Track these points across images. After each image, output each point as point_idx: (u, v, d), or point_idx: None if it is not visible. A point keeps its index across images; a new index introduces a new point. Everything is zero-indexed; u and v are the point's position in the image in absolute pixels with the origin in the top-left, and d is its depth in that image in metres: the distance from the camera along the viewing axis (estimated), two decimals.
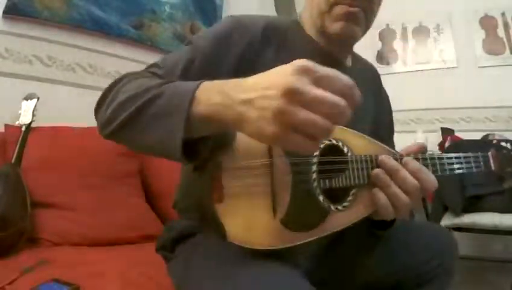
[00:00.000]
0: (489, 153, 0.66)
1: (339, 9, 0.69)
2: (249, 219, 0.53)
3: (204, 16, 2.28)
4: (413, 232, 0.79)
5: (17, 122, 1.26)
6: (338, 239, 0.72)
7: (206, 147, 0.51)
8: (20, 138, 1.20)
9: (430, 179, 0.56)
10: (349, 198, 0.58)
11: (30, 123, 1.25)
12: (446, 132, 2.54)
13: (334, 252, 0.73)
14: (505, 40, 2.66)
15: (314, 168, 0.56)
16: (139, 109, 0.52)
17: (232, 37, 0.68)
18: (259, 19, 0.72)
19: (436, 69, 2.81)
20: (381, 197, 0.56)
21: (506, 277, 1.96)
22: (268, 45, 0.70)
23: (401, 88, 2.90)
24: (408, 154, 0.60)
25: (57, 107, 1.52)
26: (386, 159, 0.57)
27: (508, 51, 2.64)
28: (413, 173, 0.56)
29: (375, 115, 0.84)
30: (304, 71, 0.41)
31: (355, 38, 0.75)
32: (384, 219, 0.60)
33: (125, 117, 0.53)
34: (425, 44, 2.94)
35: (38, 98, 1.33)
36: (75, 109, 1.61)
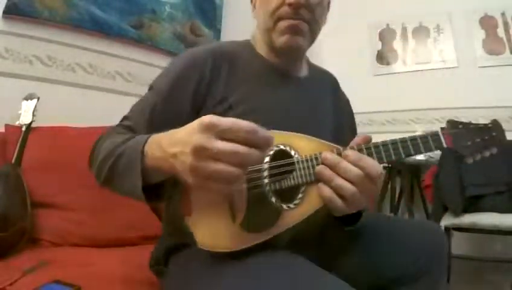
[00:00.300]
0: (439, 131, 0.66)
1: (283, 24, 0.76)
2: (213, 227, 0.60)
3: (204, 16, 2.28)
4: (400, 231, 0.80)
5: (17, 122, 1.26)
6: (319, 240, 0.75)
7: (167, 188, 0.62)
8: (20, 138, 1.20)
9: (372, 165, 0.59)
10: (299, 196, 0.62)
11: (30, 123, 1.25)
12: None
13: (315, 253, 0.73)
14: (505, 40, 2.66)
15: (266, 173, 0.62)
16: (111, 169, 0.65)
17: (186, 75, 0.75)
18: (209, 48, 0.79)
19: (436, 69, 2.81)
20: (326, 190, 0.59)
21: (505, 277, 1.96)
22: (219, 71, 0.76)
23: (401, 88, 2.91)
24: (352, 147, 0.63)
25: (57, 107, 1.52)
26: (327, 154, 0.61)
27: (508, 51, 2.64)
28: (354, 163, 0.58)
29: (335, 118, 0.89)
30: (207, 128, 0.47)
31: (301, 49, 0.81)
32: (340, 213, 0.62)
33: (104, 176, 0.66)
34: (425, 44, 2.93)
35: (38, 98, 1.32)
36: (75, 109, 1.61)
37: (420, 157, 2.61)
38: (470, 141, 0.67)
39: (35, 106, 1.30)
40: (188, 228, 0.61)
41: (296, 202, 0.62)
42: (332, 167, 0.59)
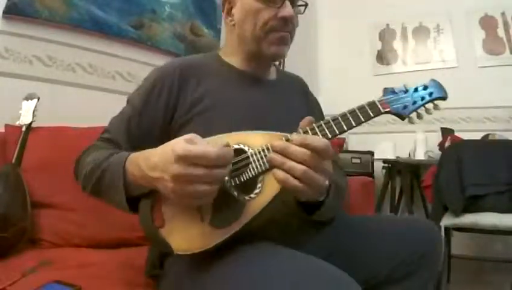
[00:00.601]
0: (375, 99, 0.69)
1: (275, 36, 0.83)
2: (186, 231, 0.64)
3: (204, 16, 2.28)
4: (392, 228, 0.81)
5: (17, 122, 1.26)
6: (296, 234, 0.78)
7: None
8: (20, 138, 1.20)
9: (317, 140, 0.61)
10: (259, 185, 0.65)
11: (30, 123, 1.25)
12: (446, 131, 2.54)
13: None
14: (505, 40, 2.66)
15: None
16: (96, 184, 0.72)
17: (156, 91, 0.82)
18: (176, 63, 0.86)
19: (436, 69, 2.81)
20: (279, 173, 0.62)
21: (506, 277, 1.96)
22: (187, 83, 0.83)
23: None
24: (297, 132, 0.66)
25: (57, 107, 1.52)
26: (275, 142, 0.64)
27: (508, 51, 2.65)
28: (300, 144, 0.61)
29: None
30: (181, 159, 0.55)
31: (284, 57, 0.89)
32: (305, 197, 0.65)
33: (91, 189, 0.75)
34: (425, 44, 2.94)
35: (38, 98, 1.32)
36: (75, 109, 1.61)
37: (420, 157, 2.62)
38: (409, 103, 0.70)
39: (35, 106, 1.30)
40: (162, 239, 0.65)
41: (256, 191, 0.65)
42: (282, 152, 0.62)
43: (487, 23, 2.72)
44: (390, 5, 3.02)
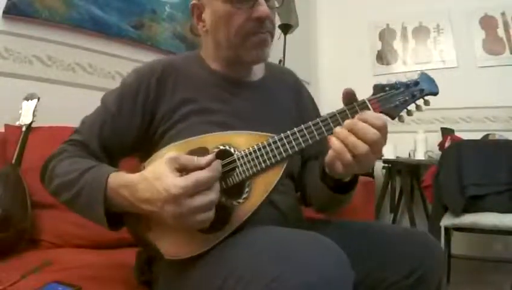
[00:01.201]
0: (366, 99, 0.67)
1: (254, 40, 0.76)
2: (174, 236, 0.62)
3: None
4: (391, 243, 0.75)
5: (17, 122, 1.26)
6: None
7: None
8: (20, 138, 1.19)
9: (379, 118, 0.61)
10: (246, 190, 0.64)
11: (31, 123, 1.25)
12: (446, 131, 2.54)
13: None
14: (505, 40, 2.66)
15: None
16: (70, 201, 0.70)
17: (133, 92, 0.78)
18: (154, 64, 0.82)
19: (436, 69, 2.81)
20: (337, 143, 0.61)
21: (506, 277, 1.96)
22: (165, 84, 0.79)
23: None
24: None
25: (57, 107, 1.52)
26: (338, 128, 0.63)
27: (508, 51, 2.65)
28: (371, 124, 0.60)
29: (297, 114, 0.90)
30: (177, 198, 0.54)
31: (266, 60, 0.82)
32: (343, 172, 0.64)
33: (62, 201, 0.72)
34: (425, 44, 2.94)
35: (38, 98, 1.32)
36: (75, 109, 1.60)
37: (420, 157, 2.62)
38: (399, 101, 0.67)
39: (35, 106, 1.29)
40: (150, 242, 0.64)
41: (244, 196, 0.63)
42: (350, 128, 0.61)
43: (487, 23, 2.72)
44: (390, 5, 3.02)
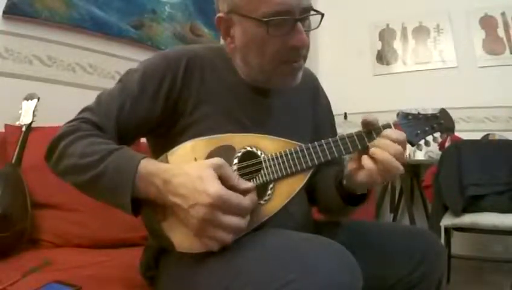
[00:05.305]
0: (391, 123, 0.71)
1: (287, 68, 0.72)
2: (188, 229, 0.60)
3: (204, 16, 2.28)
4: (394, 241, 0.77)
5: (17, 122, 1.26)
6: None
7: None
8: (20, 138, 1.20)
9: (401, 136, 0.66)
10: (269, 192, 0.65)
11: (31, 123, 1.25)
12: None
13: None
14: (505, 40, 2.66)
15: (236, 173, 0.65)
16: (82, 185, 0.66)
17: (159, 77, 0.73)
18: (183, 52, 0.77)
19: (436, 69, 2.81)
20: (369, 163, 0.65)
21: (506, 277, 1.96)
22: (191, 78, 0.75)
23: (401, 88, 2.91)
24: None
25: (57, 107, 1.52)
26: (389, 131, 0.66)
27: (508, 51, 2.64)
28: (395, 140, 0.65)
29: (313, 117, 0.91)
30: (215, 206, 0.54)
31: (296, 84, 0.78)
32: (367, 187, 0.70)
33: (72, 183, 0.67)
34: (425, 44, 2.94)
35: (38, 98, 1.32)
36: (75, 109, 1.60)
37: (420, 157, 2.62)
38: (420, 130, 0.72)
39: (35, 106, 1.30)
40: (163, 232, 0.63)
41: (266, 198, 0.65)
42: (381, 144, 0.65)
43: (487, 23, 2.71)
44: (390, 5, 3.02)
